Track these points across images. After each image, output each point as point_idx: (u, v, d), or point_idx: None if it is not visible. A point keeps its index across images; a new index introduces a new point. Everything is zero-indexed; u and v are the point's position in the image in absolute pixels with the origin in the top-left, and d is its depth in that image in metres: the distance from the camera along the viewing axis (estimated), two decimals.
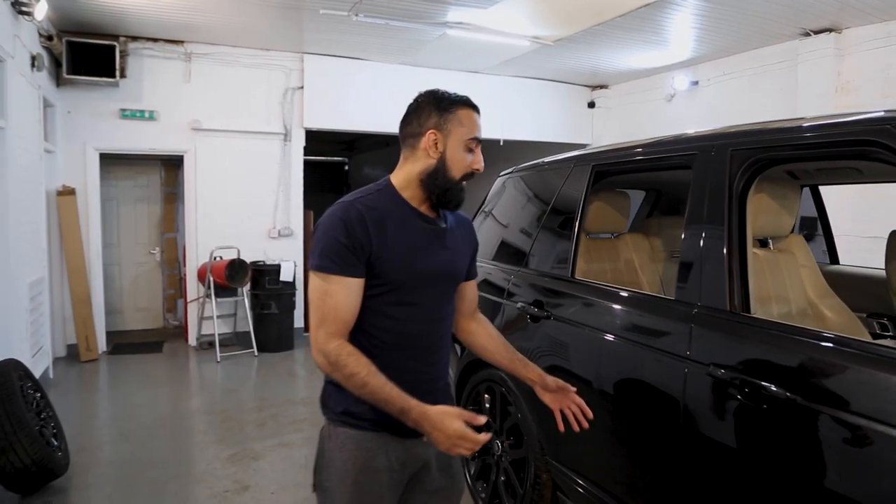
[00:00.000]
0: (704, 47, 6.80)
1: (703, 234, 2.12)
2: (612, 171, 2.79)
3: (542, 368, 1.87)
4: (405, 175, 1.57)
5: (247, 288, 6.80)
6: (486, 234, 3.67)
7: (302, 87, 7.26)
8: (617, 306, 2.45)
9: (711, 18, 5.89)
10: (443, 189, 1.53)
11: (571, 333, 2.57)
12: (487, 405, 3.12)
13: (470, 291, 1.80)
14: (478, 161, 1.56)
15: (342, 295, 1.44)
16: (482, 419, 1.38)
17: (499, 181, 3.76)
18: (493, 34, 6.30)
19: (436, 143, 1.52)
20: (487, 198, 3.81)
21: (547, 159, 3.33)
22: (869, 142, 1.73)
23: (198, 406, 5.09)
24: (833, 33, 5.92)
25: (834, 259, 3.49)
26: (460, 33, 6.22)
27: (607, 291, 2.55)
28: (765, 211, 2.30)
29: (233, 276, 6.48)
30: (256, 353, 6.63)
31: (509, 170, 3.71)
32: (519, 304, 2.91)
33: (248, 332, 6.73)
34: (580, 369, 2.50)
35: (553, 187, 3.08)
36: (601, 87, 8.90)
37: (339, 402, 1.53)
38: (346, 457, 1.51)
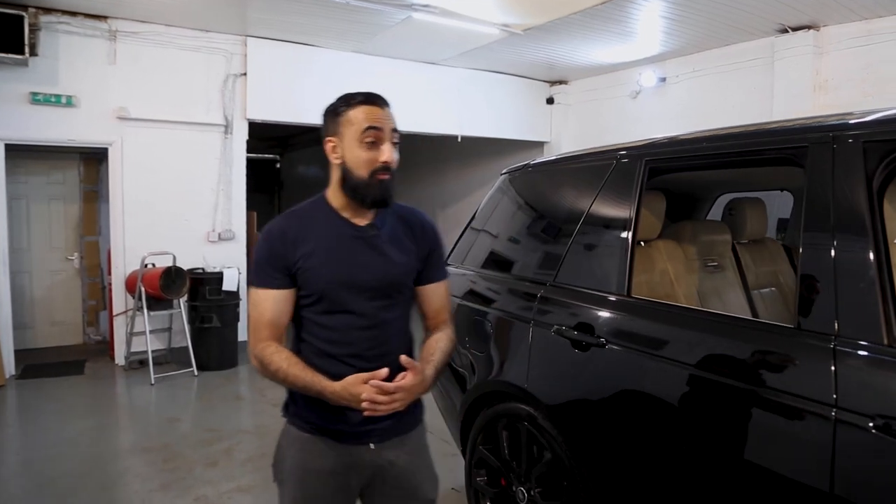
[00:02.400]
0: (674, 42, 6.53)
1: (836, 246, 1.68)
2: (671, 167, 2.33)
3: (595, 409, 1.87)
4: (332, 185, 1.63)
5: (184, 299, 6.02)
6: (484, 241, 3.17)
7: (245, 74, 6.53)
8: (712, 336, 1.95)
9: (683, 11, 5.59)
10: (354, 189, 1.56)
11: (647, 368, 2.08)
12: (506, 446, 2.61)
13: (432, 297, 1.75)
14: (383, 154, 1.54)
15: (266, 304, 1.57)
16: (383, 371, 1.46)
17: (501, 180, 3.25)
18: (461, 20, 5.79)
19: (334, 149, 1.58)
20: (485, 200, 3.29)
21: (571, 153, 2.84)
22: None
23: (133, 442, 4.31)
24: (812, 30, 5.75)
25: None
26: (427, 17, 5.68)
27: (691, 316, 2.08)
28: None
29: (168, 285, 5.70)
30: (196, 373, 5.86)
31: (516, 166, 3.20)
32: (554, 328, 2.41)
33: (187, 349, 5.94)
34: (667, 416, 1.99)
35: (586, 187, 2.59)
36: (560, 82, 8.56)
37: (291, 403, 1.67)
38: (293, 454, 1.64)
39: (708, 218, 3.70)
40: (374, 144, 1.53)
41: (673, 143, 2.32)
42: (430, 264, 1.73)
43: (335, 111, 1.58)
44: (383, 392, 1.45)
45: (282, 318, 1.58)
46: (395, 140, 1.59)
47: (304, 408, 1.62)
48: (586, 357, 2.25)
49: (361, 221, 1.62)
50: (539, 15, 5.80)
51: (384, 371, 1.46)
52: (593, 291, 2.37)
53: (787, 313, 3.16)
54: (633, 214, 2.30)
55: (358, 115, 1.54)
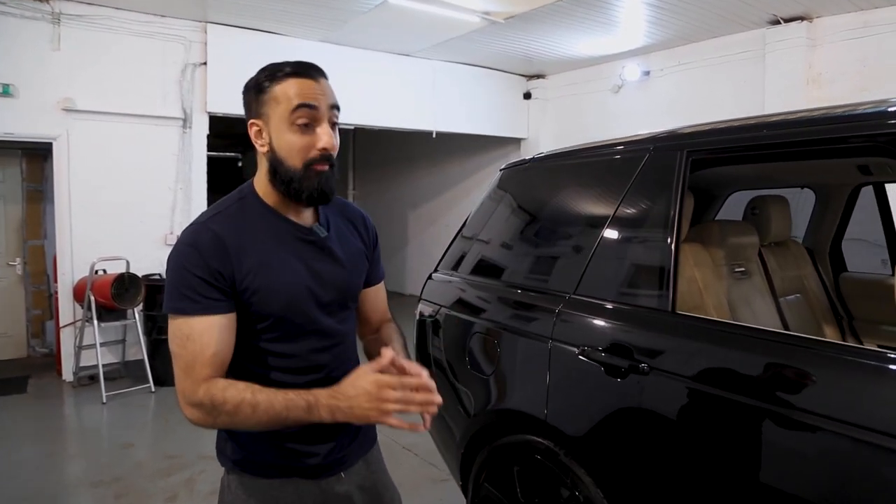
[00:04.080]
0: (660, 34, 6.27)
1: None
2: (720, 159, 1.99)
3: (635, 447, 1.62)
4: (260, 177, 1.32)
5: (139, 308, 5.50)
6: (484, 247, 2.80)
7: (205, 64, 6.03)
8: (797, 366, 1.59)
9: (670, 2, 5.32)
10: (286, 183, 1.25)
11: (701, 401, 1.72)
12: (519, 487, 2.25)
13: (375, 298, 1.54)
14: (320, 139, 1.23)
15: (207, 336, 1.18)
16: (388, 354, 1.19)
17: (501, 176, 2.88)
18: (441, 6, 5.41)
19: (259, 134, 1.28)
20: (482, 199, 2.92)
21: (589, 144, 2.48)
22: None
23: (80, 474, 3.79)
24: (805, 22, 5.53)
25: None
26: (404, 2, 5.28)
27: (763, 339, 1.71)
28: None
29: (121, 294, 5.19)
30: (154, 389, 5.35)
31: (520, 160, 2.84)
32: (580, 349, 2.05)
33: (142, 362, 5.42)
34: (724, 462, 1.63)
35: (612, 183, 2.23)
36: (538, 76, 8.25)
37: (237, 447, 1.34)
38: None
39: (717, 218, 3.39)
40: (309, 127, 1.23)
41: (722, 131, 1.97)
42: (373, 263, 1.51)
43: (258, 87, 1.27)
44: (399, 387, 1.15)
45: (228, 352, 1.22)
46: (335, 120, 1.28)
47: (257, 449, 1.31)
48: (624, 385, 1.89)
49: (305, 221, 1.34)
50: (521, 2, 5.47)
51: (389, 353, 1.19)
52: (628, 306, 2.02)
53: (814, 323, 2.88)
54: (674, 214, 1.95)
55: (286, 91, 1.23)
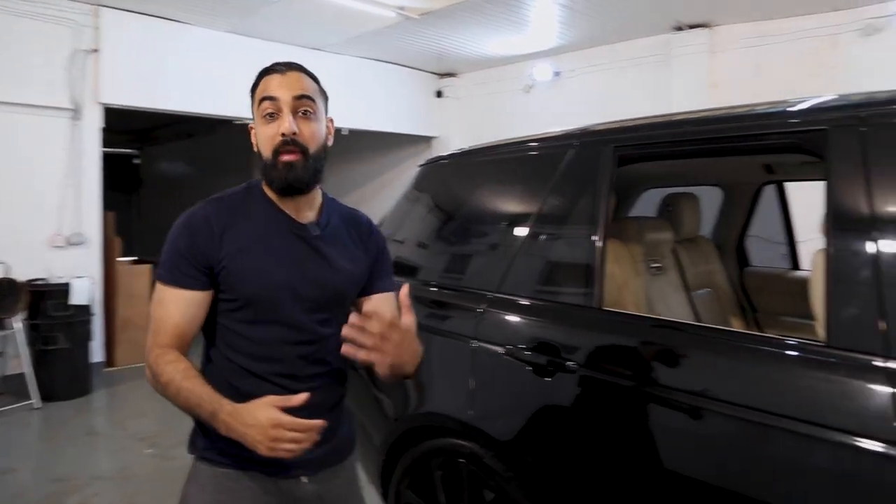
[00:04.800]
0: (570, 35, 6.38)
1: (879, 244, 1.38)
2: (646, 155, 1.98)
3: (567, 448, 1.64)
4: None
5: (21, 316, 5.02)
6: (404, 247, 2.70)
7: (97, 51, 5.60)
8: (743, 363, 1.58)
9: (580, 3, 5.42)
10: (264, 174, 1.34)
11: (634, 398, 1.69)
12: (442, 492, 2.16)
13: (381, 308, 1.38)
14: (280, 124, 1.30)
15: (173, 308, 1.29)
16: (301, 397, 1.15)
17: (420, 173, 2.79)
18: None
19: (253, 135, 1.39)
20: (401, 197, 2.82)
21: (512, 140, 2.43)
22: None
23: None
24: (706, 29, 5.76)
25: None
26: None
27: (700, 336, 1.71)
28: None
29: None
30: (38, 405, 4.89)
31: (440, 156, 2.76)
32: (505, 348, 1.98)
33: (24, 376, 4.94)
34: (675, 463, 1.60)
35: (536, 179, 2.19)
36: (449, 74, 8.24)
37: (201, 435, 1.37)
38: (207, 499, 1.35)
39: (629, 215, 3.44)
40: (273, 117, 1.31)
41: (649, 126, 1.97)
42: (378, 273, 1.51)
43: (251, 92, 1.38)
44: (295, 429, 1.12)
45: (191, 325, 1.31)
46: (307, 109, 1.33)
47: (217, 438, 1.27)
48: (551, 384, 1.84)
49: (303, 218, 1.39)
50: None
51: (301, 396, 1.16)
52: (553, 303, 1.97)
53: (722, 316, 2.96)
54: (600, 210, 1.92)
55: (258, 90, 1.35)
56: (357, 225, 1.50)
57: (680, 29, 5.86)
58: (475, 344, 2.08)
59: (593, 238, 1.91)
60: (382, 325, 1.15)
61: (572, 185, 2.05)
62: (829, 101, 1.62)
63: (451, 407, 2.12)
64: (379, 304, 1.47)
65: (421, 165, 2.82)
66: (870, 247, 1.38)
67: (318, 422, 1.14)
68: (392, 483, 2.35)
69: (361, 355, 1.15)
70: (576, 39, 6.51)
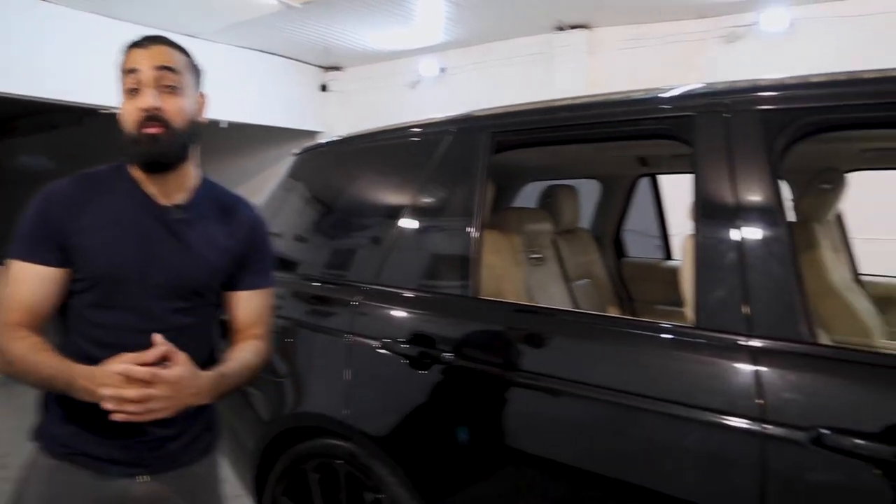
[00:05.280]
0: (456, 32, 6.40)
1: (744, 233, 1.41)
2: (524, 141, 1.95)
3: (446, 440, 1.61)
4: None
5: None
6: (280, 239, 2.55)
7: None
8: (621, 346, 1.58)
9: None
10: (126, 150, 1.27)
11: (513, 387, 1.66)
12: (320, 497, 2.05)
13: (245, 307, 1.42)
14: (140, 99, 1.23)
15: (25, 283, 1.24)
16: (151, 353, 1.13)
17: (295, 162, 2.65)
18: None
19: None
20: (275, 188, 2.67)
21: (389, 126, 2.35)
22: None
23: None
24: (586, 30, 5.95)
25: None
26: None
27: (574, 321, 1.71)
28: None
29: None
30: None
31: (316, 144, 2.63)
32: (381, 342, 1.90)
33: None
34: (549, 450, 1.58)
35: (412, 167, 2.12)
36: (335, 68, 8.05)
37: (44, 420, 1.32)
38: (35, 490, 1.30)
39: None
40: (135, 91, 1.24)
41: (526, 112, 1.94)
42: (249, 267, 1.42)
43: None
44: (134, 380, 1.10)
45: (43, 302, 1.24)
46: (171, 84, 1.25)
47: (59, 424, 1.28)
48: (427, 376, 1.77)
49: (169, 200, 1.32)
50: None
51: (152, 352, 1.13)
52: (430, 294, 1.91)
53: (601, 305, 3.03)
54: (477, 197, 1.87)
55: (123, 64, 1.27)
56: (234, 213, 1.41)
57: (561, 29, 6.01)
58: (350, 338, 1.98)
59: (469, 227, 1.87)
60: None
61: (449, 173, 2.00)
62: (697, 88, 1.66)
63: (326, 406, 2.02)
64: (244, 301, 1.42)
65: (297, 154, 2.68)
66: (734, 230, 1.41)
67: (172, 373, 1.13)
68: (267, 490, 2.21)
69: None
70: (462, 36, 6.53)
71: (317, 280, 2.25)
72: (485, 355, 1.73)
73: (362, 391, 1.94)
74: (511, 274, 2.46)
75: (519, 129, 1.93)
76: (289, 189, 2.60)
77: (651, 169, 3.03)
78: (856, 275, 2.77)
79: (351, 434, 1.93)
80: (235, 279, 1.41)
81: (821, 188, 2.41)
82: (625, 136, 1.86)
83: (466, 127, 2.03)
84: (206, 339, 1.40)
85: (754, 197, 1.42)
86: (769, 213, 1.39)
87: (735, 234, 1.41)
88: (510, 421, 1.63)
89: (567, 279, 2.80)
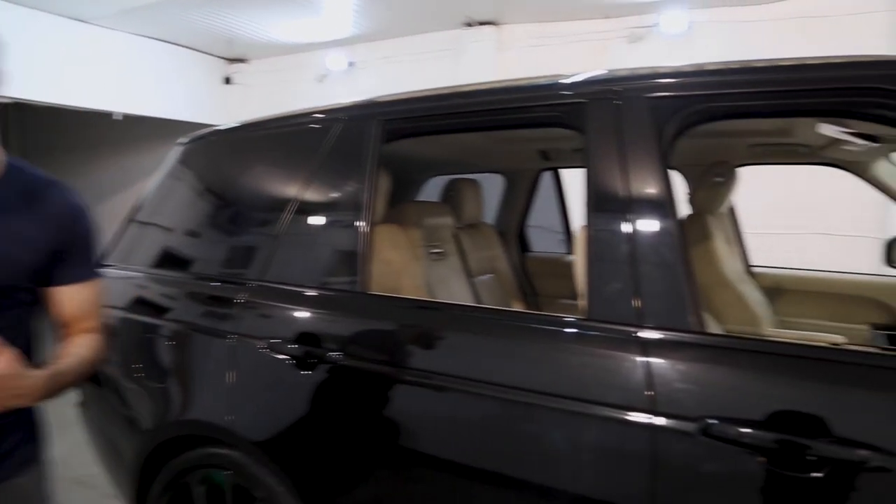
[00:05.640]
0: (364, 25, 6.26)
1: (637, 224, 1.38)
2: (416, 129, 1.87)
3: (336, 444, 1.52)
4: None
5: None
6: (160, 233, 2.38)
7: None
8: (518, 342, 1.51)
9: None
10: None
11: (404, 385, 1.57)
12: None
13: (70, 302, 1.30)
14: None
15: None
16: None
17: (179, 153, 2.47)
18: None
19: None
20: (158, 180, 2.47)
21: (281, 114, 2.21)
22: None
23: None
24: (494, 27, 5.95)
25: None
26: None
27: (470, 316, 1.64)
28: None
29: None
30: None
31: (200, 133, 2.46)
32: (265, 343, 1.76)
33: None
34: (441, 449, 1.51)
35: (299, 158, 2.00)
36: (239, 60, 7.73)
37: None
38: None
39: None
40: None
41: (417, 99, 1.86)
42: (70, 260, 1.27)
43: None
44: None
45: None
46: None
47: None
48: (313, 377, 1.66)
49: None
50: None
51: None
52: (317, 291, 1.79)
53: (506, 301, 2.99)
54: (368, 188, 1.78)
55: None
56: (46, 201, 1.24)
57: (470, 25, 5.99)
58: (233, 339, 1.83)
59: (359, 220, 1.77)
60: None
61: (338, 164, 1.90)
62: (590, 75, 1.62)
63: (208, 412, 1.88)
64: (70, 296, 1.29)
65: (183, 143, 2.50)
66: (624, 221, 1.38)
67: None
68: None
69: None
70: (371, 30, 6.40)
71: (204, 277, 2.09)
72: (374, 353, 1.63)
73: (246, 395, 1.81)
74: (410, 269, 2.37)
75: (410, 117, 1.84)
76: (175, 178, 2.42)
77: (553, 163, 3.02)
78: (747, 266, 2.85)
79: (236, 441, 1.80)
80: (56, 274, 1.27)
81: (713, 181, 2.45)
82: (518, 123, 1.82)
83: (356, 115, 1.94)
84: (20, 340, 1.24)
85: (644, 187, 1.39)
86: (659, 204, 1.36)
87: (625, 225, 1.37)
88: (401, 422, 1.55)
89: (469, 274, 2.75)
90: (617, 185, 1.41)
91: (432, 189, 3.23)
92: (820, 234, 4.79)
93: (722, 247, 2.49)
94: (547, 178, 3.24)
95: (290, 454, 1.72)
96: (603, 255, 1.39)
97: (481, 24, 5.93)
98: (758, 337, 1.58)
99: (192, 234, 2.31)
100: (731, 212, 2.85)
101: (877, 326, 2.58)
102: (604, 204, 1.42)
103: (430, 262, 2.55)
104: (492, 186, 3.41)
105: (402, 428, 1.54)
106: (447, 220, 2.68)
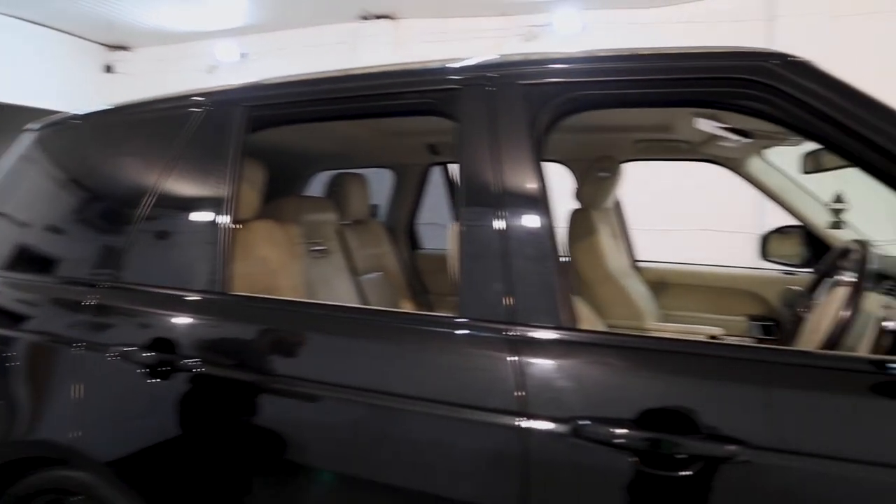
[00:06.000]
0: (258, 15, 6.02)
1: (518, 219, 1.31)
2: (284, 117, 1.73)
3: (194, 457, 1.39)
4: None
5: None
6: (6, 230, 2.12)
7: None
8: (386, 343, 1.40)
9: None
10: None
11: (266, 392, 1.43)
12: None
13: None
14: None
15: None
16: None
17: (28, 141, 2.21)
18: None
19: None
20: (3, 171, 2.21)
21: (143, 100, 2.01)
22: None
23: None
24: (391, 21, 5.85)
25: None
26: None
27: (343, 317, 1.51)
28: None
29: None
30: None
31: (50, 120, 2.21)
32: (117, 350, 1.58)
33: None
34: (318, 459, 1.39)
35: (157, 148, 1.81)
36: (121, 48, 7.24)
37: None
38: None
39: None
40: None
41: (284, 84, 1.72)
42: None
43: None
44: None
45: None
46: None
47: None
48: (169, 389, 1.49)
49: None
50: None
51: None
52: (174, 292, 1.62)
53: (394, 299, 2.89)
54: (229, 182, 1.63)
55: None
56: None
57: (366, 18, 5.86)
58: (81, 348, 1.63)
59: (221, 214, 1.62)
60: None
61: (199, 153, 1.73)
62: (465, 60, 1.54)
63: (53, 430, 1.67)
64: None
65: (34, 129, 2.24)
66: (495, 215, 1.31)
67: None
68: None
69: None
70: (264, 20, 6.14)
71: (50, 278, 1.87)
72: (233, 359, 1.49)
73: (95, 411, 1.62)
74: (287, 267, 2.23)
75: (277, 104, 1.70)
76: (24, 170, 2.16)
77: (442, 157, 2.95)
78: (634, 261, 2.88)
79: (84, 462, 1.61)
80: None
81: (598, 176, 2.45)
82: (391, 111, 1.71)
83: (219, 101, 1.78)
84: None
85: (516, 179, 1.32)
86: (531, 197, 1.30)
87: (496, 219, 1.30)
88: (265, 432, 1.42)
89: (355, 272, 2.62)
90: (489, 177, 1.34)
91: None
92: (705, 231, 5.00)
93: (607, 241, 2.50)
94: (438, 173, 3.16)
95: (144, 474, 1.55)
96: (474, 250, 1.32)
97: (378, 17, 5.81)
98: (630, 333, 1.56)
99: (41, 229, 2.07)
100: (618, 207, 2.87)
101: (753, 318, 2.67)
102: (475, 197, 1.35)
103: (310, 261, 2.41)
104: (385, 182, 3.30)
105: (266, 439, 1.42)
106: (330, 216, 2.55)
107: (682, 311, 2.75)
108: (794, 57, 1.23)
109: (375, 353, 1.38)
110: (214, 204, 1.65)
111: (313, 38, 6.23)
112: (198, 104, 1.80)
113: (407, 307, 2.89)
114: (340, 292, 2.48)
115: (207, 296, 1.58)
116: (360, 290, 2.59)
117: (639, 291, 2.58)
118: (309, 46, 6.25)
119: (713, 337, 2.33)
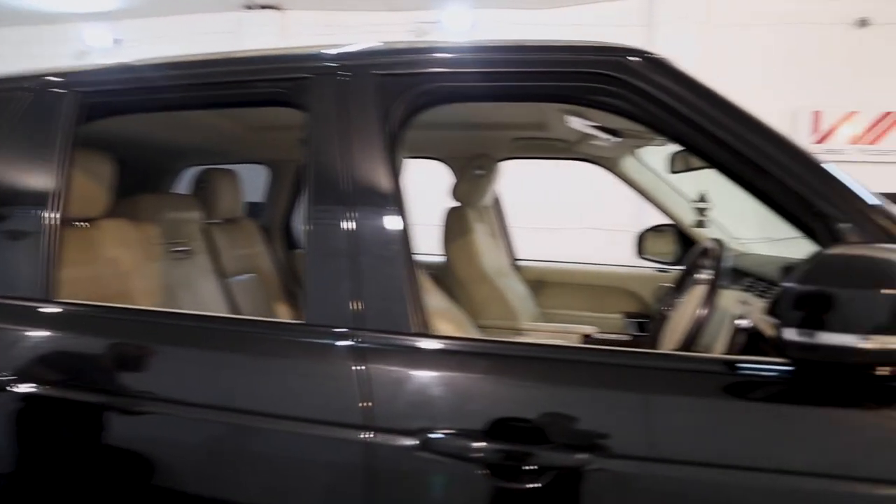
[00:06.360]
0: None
1: (350, 213, 1.22)
2: (122, 104, 1.56)
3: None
4: None
5: None
6: None
7: None
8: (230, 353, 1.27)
9: None
10: None
11: (110, 418, 1.27)
12: None
13: None
14: None
15: None
16: None
17: None
18: None
19: None
20: None
21: None
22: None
23: None
24: (277, 11, 5.63)
25: None
26: None
27: (183, 325, 1.37)
28: None
29: None
30: None
31: None
32: None
33: None
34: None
35: None
36: None
37: None
38: None
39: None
40: None
41: (123, 69, 1.55)
42: None
43: None
44: None
45: None
46: None
47: None
48: None
49: None
50: None
51: None
52: None
53: (268, 303, 2.74)
54: (58, 178, 1.45)
55: None
56: None
57: (251, 8, 5.61)
58: None
59: (46, 211, 1.44)
60: None
61: (22, 144, 1.54)
62: (318, 48, 1.44)
63: None
64: None
65: None
66: (344, 213, 1.22)
67: None
68: None
69: None
70: (141, 5, 5.77)
71: None
72: (52, 375, 1.32)
73: None
74: (142, 270, 2.05)
75: (114, 90, 1.54)
76: None
77: None
78: (513, 259, 2.87)
79: None
80: None
81: (474, 174, 2.41)
82: (240, 101, 1.58)
83: (47, 84, 1.58)
84: None
85: (368, 175, 1.24)
86: (383, 194, 1.22)
87: (345, 219, 1.21)
88: (99, 459, 1.26)
89: (223, 274, 2.46)
90: (338, 172, 1.25)
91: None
92: (589, 229, 5.13)
93: (484, 240, 2.46)
94: None
95: None
96: (321, 251, 1.22)
97: (263, 7, 5.58)
98: (485, 339, 1.51)
99: None
100: (498, 205, 2.85)
101: (629, 315, 2.72)
102: (323, 194, 1.25)
103: (171, 262, 2.23)
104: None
105: (101, 467, 1.26)
106: (194, 214, 2.37)
107: (560, 310, 2.76)
108: (651, 54, 1.21)
109: (215, 365, 1.26)
110: (38, 199, 1.47)
111: (195, 27, 5.91)
112: (23, 87, 1.60)
113: (282, 310, 2.75)
114: (205, 295, 2.31)
115: (25, 303, 1.40)
116: (228, 292, 2.43)
117: (516, 291, 2.57)
118: (190, 35, 5.91)
119: (587, 335, 2.35)
